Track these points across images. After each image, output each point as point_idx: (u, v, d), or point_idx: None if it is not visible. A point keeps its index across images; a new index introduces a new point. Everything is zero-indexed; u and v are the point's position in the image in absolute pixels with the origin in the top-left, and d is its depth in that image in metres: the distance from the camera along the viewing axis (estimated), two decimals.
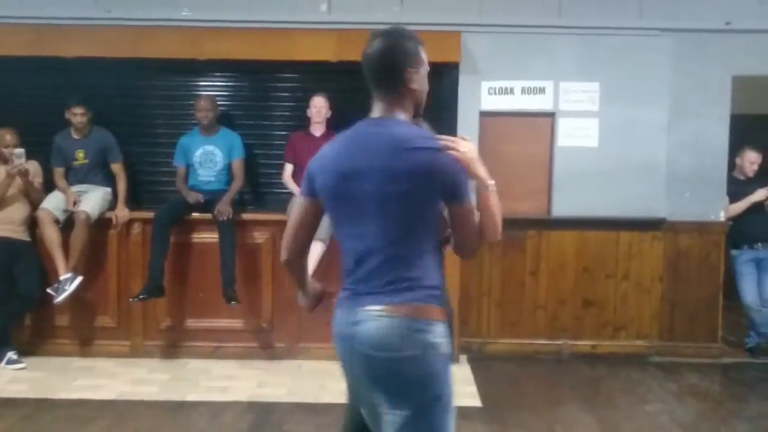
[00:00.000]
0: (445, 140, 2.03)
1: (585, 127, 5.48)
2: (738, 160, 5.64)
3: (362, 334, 2.03)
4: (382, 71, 2.12)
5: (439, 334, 2.01)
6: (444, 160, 2.00)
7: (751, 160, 5.60)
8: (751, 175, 5.61)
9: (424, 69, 2.17)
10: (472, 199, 2.06)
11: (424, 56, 2.16)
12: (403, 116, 2.13)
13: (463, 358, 5.31)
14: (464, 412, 4.05)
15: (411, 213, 2.01)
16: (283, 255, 2.28)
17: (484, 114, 5.47)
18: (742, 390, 5.01)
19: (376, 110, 2.16)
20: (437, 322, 2.01)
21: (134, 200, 5.48)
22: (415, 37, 2.15)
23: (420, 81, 2.15)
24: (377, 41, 2.12)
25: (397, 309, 1.98)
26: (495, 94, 5.47)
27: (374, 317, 2.01)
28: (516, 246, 5.45)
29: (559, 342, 5.50)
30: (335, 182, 2.09)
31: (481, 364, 5.19)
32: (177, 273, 5.21)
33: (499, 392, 4.65)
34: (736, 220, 5.52)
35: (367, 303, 2.04)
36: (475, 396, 4.54)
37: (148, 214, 5.16)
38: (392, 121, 2.11)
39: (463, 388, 4.62)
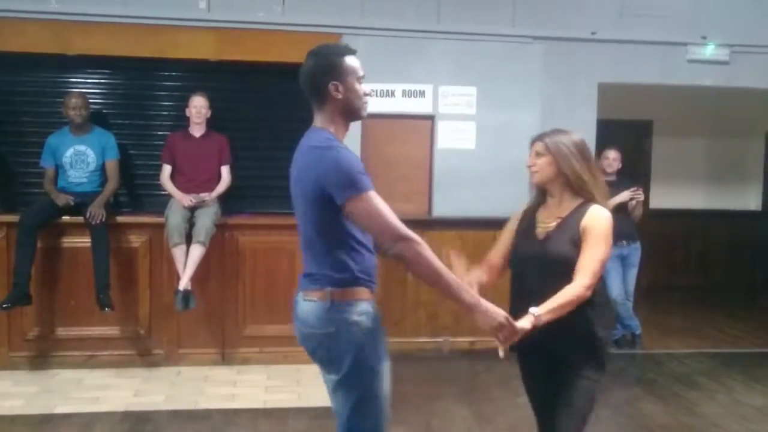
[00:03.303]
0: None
1: (463, 129, 5.65)
2: (600, 161, 5.96)
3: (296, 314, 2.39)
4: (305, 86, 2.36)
5: (357, 312, 2.28)
6: (320, 160, 2.19)
7: (610, 157, 5.89)
8: (609, 170, 5.92)
9: (352, 78, 2.32)
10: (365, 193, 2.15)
11: (351, 64, 2.33)
12: (322, 125, 2.33)
13: None
14: None
15: (314, 213, 2.26)
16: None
17: (366, 116, 5.52)
18: (608, 379, 5.19)
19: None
20: (357, 302, 2.28)
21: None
22: (330, 53, 2.34)
23: (345, 91, 2.31)
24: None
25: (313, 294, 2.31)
26: (377, 96, 5.53)
27: (301, 301, 2.36)
28: None
29: (440, 339, 5.65)
30: (291, 186, 2.37)
31: None
32: (46, 279, 4.96)
33: None
34: None
35: (300, 290, 2.38)
36: None
37: (13, 218, 4.86)
38: (311, 129, 2.35)
39: None
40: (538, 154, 2.61)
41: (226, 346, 5.20)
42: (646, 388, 5.00)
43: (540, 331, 2.36)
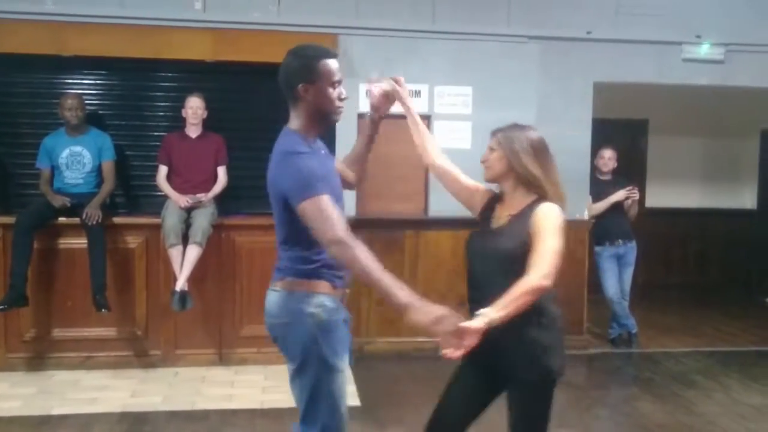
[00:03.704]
0: None
1: (459, 129, 5.65)
2: (596, 161, 5.99)
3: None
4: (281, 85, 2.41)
5: (313, 305, 2.35)
6: (283, 164, 2.29)
7: (606, 156, 5.94)
8: (604, 170, 5.95)
9: (323, 82, 2.35)
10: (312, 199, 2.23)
11: (324, 68, 2.36)
12: (294, 126, 2.40)
13: None
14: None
15: (279, 212, 2.36)
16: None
17: (362, 116, 5.51)
18: (605, 378, 5.35)
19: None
20: (316, 294, 2.36)
21: None
22: (306, 54, 2.37)
23: (315, 94, 2.35)
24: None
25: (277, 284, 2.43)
26: None
27: (269, 292, 2.46)
28: (394, 246, 5.54)
29: (437, 339, 5.63)
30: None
31: (361, 364, 5.19)
32: (43, 281, 4.96)
33: (379, 391, 4.72)
34: (599, 218, 5.86)
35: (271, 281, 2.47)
36: (354, 396, 4.59)
37: (9, 219, 4.86)
38: (283, 132, 2.42)
39: None
40: (491, 149, 2.57)
41: (224, 347, 5.20)
42: (643, 387, 5.01)
43: (487, 342, 2.20)
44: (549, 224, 2.40)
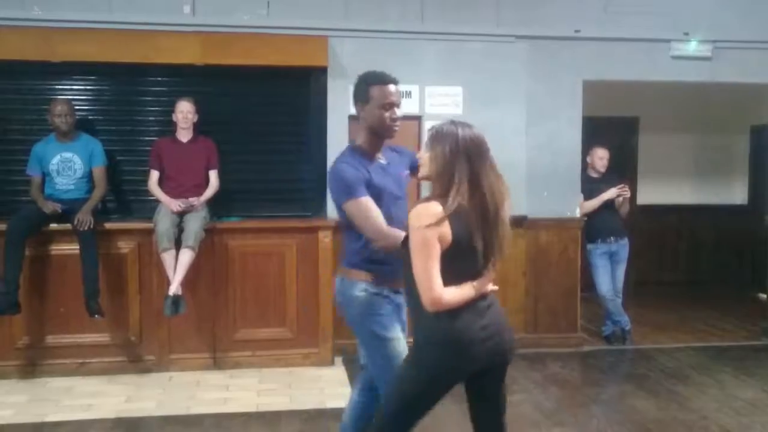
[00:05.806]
0: None
1: None
2: (588, 158, 6.00)
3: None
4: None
5: (358, 289, 2.82)
6: (330, 174, 2.80)
7: (600, 155, 5.98)
8: (601, 170, 5.98)
9: (373, 104, 2.80)
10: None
11: (374, 93, 2.80)
12: (358, 141, 2.90)
13: (338, 360, 5.36)
14: (338, 414, 4.09)
15: (340, 213, 2.85)
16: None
17: (353, 118, 5.50)
18: (599, 375, 5.36)
19: None
20: (358, 281, 2.82)
21: None
22: (363, 79, 2.86)
23: (367, 114, 2.83)
24: None
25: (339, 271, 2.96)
26: None
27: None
28: None
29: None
30: None
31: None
32: (35, 287, 4.94)
33: None
34: (591, 216, 5.87)
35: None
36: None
37: (0, 226, 4.82)
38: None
39: (338, 389, 4.67)
40: (426, 147, 2.43)
41: (218, 351, 5.19)
42: (637, 383, 5.02)
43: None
44: (414, 238, 2.31)
